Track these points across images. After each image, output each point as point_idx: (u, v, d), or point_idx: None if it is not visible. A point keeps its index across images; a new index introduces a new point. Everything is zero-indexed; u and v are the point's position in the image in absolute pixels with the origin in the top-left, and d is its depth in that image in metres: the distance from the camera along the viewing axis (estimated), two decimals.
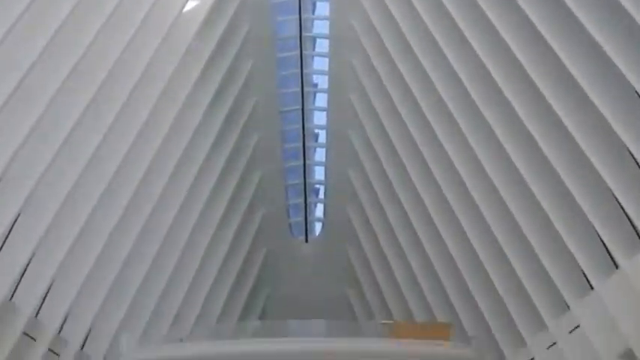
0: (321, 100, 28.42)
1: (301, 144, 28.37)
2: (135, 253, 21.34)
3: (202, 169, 23.92)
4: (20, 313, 17.47)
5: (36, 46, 16.15)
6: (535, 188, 18.20)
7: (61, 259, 18.54)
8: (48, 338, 18.52)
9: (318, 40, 28.19)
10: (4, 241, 17.19)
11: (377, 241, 26.73)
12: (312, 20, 27.66)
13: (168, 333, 21.89)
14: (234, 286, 26.96)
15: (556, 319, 18.78)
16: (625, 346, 15.94)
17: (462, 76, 20.20)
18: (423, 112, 22.27)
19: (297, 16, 26.41)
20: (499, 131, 19.19)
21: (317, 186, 30.25)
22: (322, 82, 28.32)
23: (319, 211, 30.35)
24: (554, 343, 18.79)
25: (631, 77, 14.71)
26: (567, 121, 16.62)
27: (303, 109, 27.87)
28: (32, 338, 17.99)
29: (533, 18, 16.99)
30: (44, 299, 18.82)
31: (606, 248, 16.71)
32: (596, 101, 15.55)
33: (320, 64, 28.23)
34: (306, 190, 29.08)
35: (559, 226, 17.69)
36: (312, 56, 28.35)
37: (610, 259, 16.87)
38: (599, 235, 16.63)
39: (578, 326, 17.82)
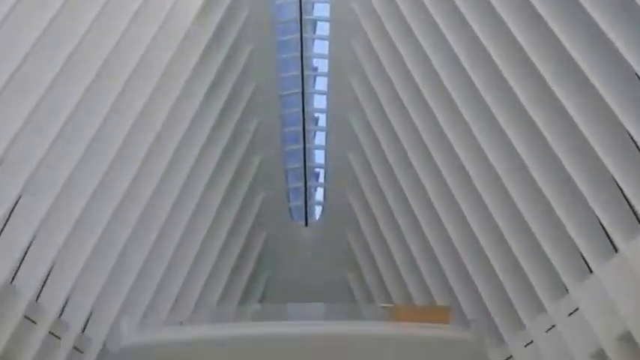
0: (321, 83, 28.34)
1: (301, 128, 28.32)
2: (135, 237, 21.38)
3: (202, 153, 23.91)
4: (21, 296, 17.51)
5: (33, 31, 16.19)
6: (535, 172, 18.21)
7: (61, 243, 18.58)
8: (49, 321, 18.57)
9: (318, 23, 28.08)
10: (5, 225, 17.22)
11: (377, 225, 26.75)
12: (313, 3, 27.51)
13: (169, 316, 21.93)
14: (234, 270, 27.01)
15: (555, 303, 18.84)
16: (624, 328, 16.01)
17: (463, 59, 20.16)
18: (424, 95, 22.23)
19: None
20: (499, 115, 19.18)
21: (317, 170, 30.21)
22: (322, 65, 28.23)
23: (319, 195, 30.33)
24: (553, 326, 18.86)
25: (631, 60, 14.68)
26: (568, 105, 16.61)
27: (303, 93, 27.79)
28: (33, 321, 18.04)
29: (534, 1, 16.94)
30: (45, 283, 18.86)
31: (606, 232, 16.73)
32: (597, 84, 15.54)
33: (320, 47, 28.14)
34: (306, 174, 29.05)
35: (559, 210, 17.71)
36: (313, 39, 28.26)
37: (609, 242, 16.90)
38: (598, 219, 16.66)
39: (577, 309, 17.89)
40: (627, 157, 15.74)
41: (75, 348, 19.74)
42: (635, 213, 16.08)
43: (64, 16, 17.19)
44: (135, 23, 19.63)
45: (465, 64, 20.08)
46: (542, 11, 16.74)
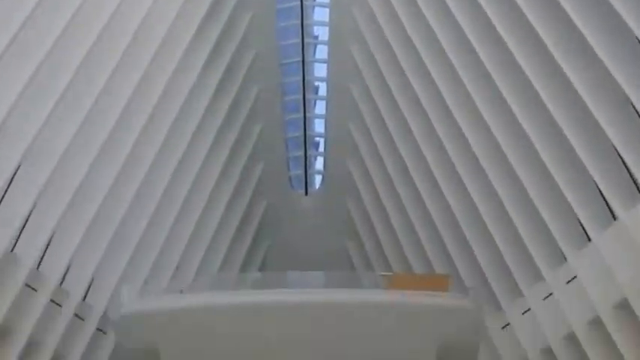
0: (322, 51, 28.18)
1: (301, 96, 28.22)
2: (136, 204, 21.41)
3: (202, 121, 23.85)
4: (22, 264, 17.59)
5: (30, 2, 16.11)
6: (534, 140, 18.17)
7: (61, 211, 18.62)
8: (50, 289, 18.68)
9: None
10: (5, 194, 17.25)
11: (376, 194, 26.78)
12: None
13: (169, 284, 22.04)
14: (234, 239, 27.10)
15: (553, 271, 18.93)
16: (621, 296, 16.09)
17: (465, 28, 20.00)
18: (425, 63, 22.11)
19: None
20: (500, 83, 19.08)
21: (317, 139, 30.18)
22: (323, 33, 28.07)
23: (319, 164, 30.35)
24: (551, 294, 18.97)
25: (633, 26, 14.58)
26: (569, 73, 16.51)
27: (303, 61, 27.65)
28: (34, 289, 18.15)
29: None
30: (45, 251, 18.95)
31: (605, 200, 16.74)
32: (599, 52, 15.42)
33: (320, 14, 27.97)
34: (306, 143, 29.01)
35: (558, 178, 17.71)
36: (313, 7, 28.06)
37: (608, 210, 16.92)
38: (597, 187, 16.64)
39: (575, 277, 17.98)
40: (628, 124, 15.69)
41: (76, 315, 19.89)
42: (634, 181, 16.07)
43: None
44: None
45: (468, 32, 19.93)
46: None
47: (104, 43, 18.75)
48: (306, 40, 27.40)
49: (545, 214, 18.55)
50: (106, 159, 19.94)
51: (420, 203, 24.19)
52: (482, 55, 19.49)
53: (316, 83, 29.10)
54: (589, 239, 17.44)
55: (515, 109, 18.66)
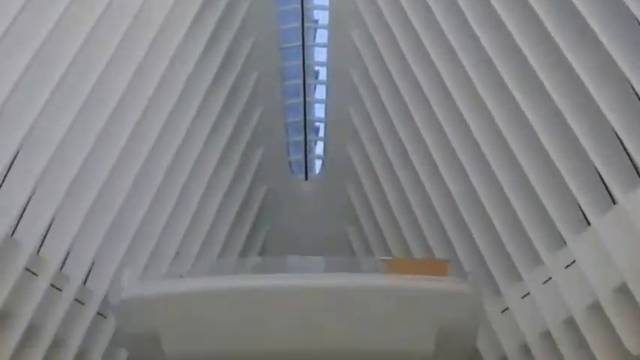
0: (322, 36, 28.08)
1: (301, 81, 28.15)
2: (136, 189, 21.42)
3: (202, 106, 23.80)
4: (22, 249, 17.62)
5: None
6: (534, 123, 18.13)
7: (61, 196, 18.63)
8: (50, 274, 18.72)
9: None
10: (4, 179, 17.25)
11: (376, 179, 26.78)
12: None
13: (169, 269, 22.09)
14: (234, 224, 27.13)
15: (552, 255, 18.94)
16: (620, 280, 16.09)
17: (466, 11, 19.91)
18: (426, 48, 22.04)
19: None
20: (501, 67, 19.03)
21: (317, 124, 30.14)
22: (323, 17, 27.95)
23: (319, 148, 30.33)
24: (550, 278, 19.00)
25: (635, 9, 14.51)
26: (570, 56, 16.44)
27: (303, 46, 27.56)
28: (34, 274, 18.19)
29: None
30: (45, 236, 18.97)
31: (604, 183, 16.71)
32: (599, 35, 15.35)
33: None
34: (306, 127, 28.98)
35: (557, 162, 17.68)
36: None
37: (608, 194, 16.90)
38: (597, 171, 16.61)
39: (574, 261, 17.99)
40: (628, 108, 15.64)
41: (76, 300, 19.96)
42: (634, 165, 16.03)
43: None
44: None
45: (469, 17, 19.85)
46: None
47: (101, 31, 18.68)
48: (306, 24, 27.30)
49: (545, 198, 18.53)
50: (105, 144, 19.93)
51: (419, 188, 24.19)
52: (484, 41, 19.41)
53: (316, 68, 29.01)
54: (588, 223, 17.43)
55: (516, 93, 18.61)
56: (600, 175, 16.62)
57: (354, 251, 29.29)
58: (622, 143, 15.77)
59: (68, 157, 18.72)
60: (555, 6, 16.80)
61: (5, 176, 17.22)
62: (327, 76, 28.20)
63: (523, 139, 18.97)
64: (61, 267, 19.58)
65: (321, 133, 30.00)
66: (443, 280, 17.62)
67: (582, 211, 17.60)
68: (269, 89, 27.33)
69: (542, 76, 17.51)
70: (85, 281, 20.66)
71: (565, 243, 18.36)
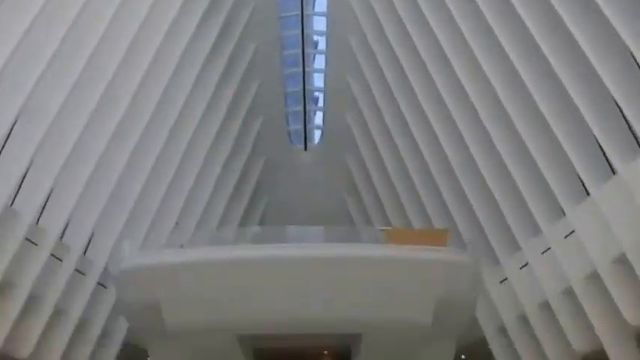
0: (321, 5, 27.84)
1: (300, 51, 27.95)
2: (135, 159, 21.39)
3: (200, 76, 23.67)
4: (21, 219, 17.61)
5: None
6: (534, 93, 18.04)
7: (60, 166, 18.58)
8: (50, 244, 18.74)
9: None
10: (2, 149, 17.18)
11: (375, 149, 26.73)
12: None
13: (169, 239, 22.10)
14: (234, 194, 27.14)
15: (551, 225, 18.96)
16: (619, 251, 16.11)
17: None
18: (425, 15, 21.87)
19: None
20: (501, 35, 18.88)
21: (316, 94, 29.99)
22: None
23: (318, 118, 30.22)
24: (549, 249, 19.03)
25: None
26: (570, 25, 16.29)
27: (302, 15, 27.31)
28: (34, 243, 18.20)
29: None
30: (45, 206, 18.96)
31: (604, 154, 16.65)
32: (601, 5, 15.20)
33: None
34: (305, 97, 28.83)
35: (557, 132, 17.62)
36: None
37: (607, 165, 16.85)
38: (597, 141, 16.55)
39: (573, 232, 18.00)
40: (629, 78, 15.53)
41: (76, 270, 20.01)
42: (634, 135, 15.97)
43: None
44: None
45: None
46: None
47: (97, 1, 18.50)
48: None
49: (544, 168, 18.50)
50: (104, 114, 19.84)
51: (418, 156, 24.16)
52: (484, 8, 19.25)
53: (315, 37, 28.78)
54: (588, 194, 17.41)
55: (516, 62, 18.48)
56: (600, 146, 16.55)
57: (354, 221, 29.32)
58: (622, 113, 15.68)
59: (66, 127, 18.64)
60: None
61: (3, 147, 17.15)
62: (327, 45, 27.98)
63: (523, 109, 18.89)
64: (61, 237, 19.59)
65: (320, 103, 29.86)
66: (442, 251, 17.59)
67: (582, 182, 17.57)
68: (268, 59, 27.16)
69: (541, 44, 17.36)
70: (85, 251, 20.70)
71: (564, 213, 18.37)
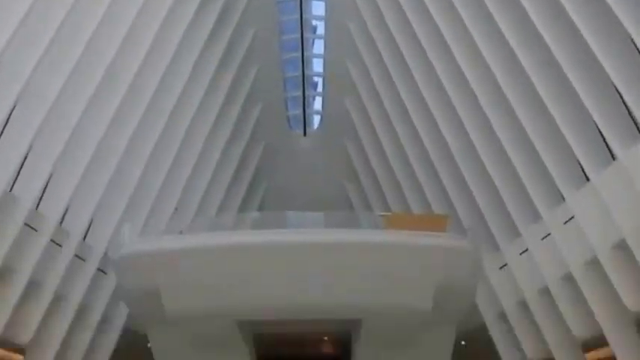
0: None
1: (299, 35, 27.82)
2: (134, 144, 21.35)
3: (199, 61, 23.60)
4: (20, 204, 17.58)
5: None
6: (534, 78, 17.97)
7: (59, 151, 18.53)
8: (49, 229, 18.72)
9: None
10: (1, 133, 17.12)
11: (375, 134, 26.69)
12: None
13: (169, 224, 22.11)
14: (233, 179, 27.12)
15: (551, 211, 18.95)
16: (619, 237, 16.10)
17: None
18: (424, 1, 21.77)
19: None
20: (500, 20, 18.80)
21: (315, 79, 29.89)
22: None
23: (317, 104, 30.15)
24: (549, 234, 19.03)
25: None
26: (570, 9, 16.21)
27: None
28: (33, 229, 18.19)
29: None
30: (44, 191, 18.92)
31: (604, 139, 16.61)
32: None
33: None
34: (305, 82, 28.75)
35: (557, 117, 17.57)
36: None
37: (607, 150, 16.82)
38: (597, 126, 16.50)
39: (572, 217, 17.99)
40: (629, 63, 15.46)
41: (76, 256, 20.02)
42: (634, 121, 15.94)
43: None
44: None
45: None
46: None
47: None
48: None
49: (544, 154, 18.47)
50: (103, 100, 19.77)
51: (418, 142, 24.13)
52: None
53: (314, 22, 28.64)
54: (587, 179, 17.39)
55: (515, 46, 18.41)
56: (600, 131, 16.51)
57: (353, 206, 29.32)
58: (622, 99, 15.63)
59: (65, 113, 18.57)
60: None
61: (2, 132, 17.08)
62: (325, 30, 27.86)
63: (523, 95, 18.84)
64: (61, 222, 19.57)
65: (320, 89, 29.76)
66: (442, 236, 17.56)
67: (582, 167, 17.54)
68: (266, 44, 27.05)
69: (543, 33, 17.28)
70: (85, 237, 20.70)
71: (564, 199, 18.35)
